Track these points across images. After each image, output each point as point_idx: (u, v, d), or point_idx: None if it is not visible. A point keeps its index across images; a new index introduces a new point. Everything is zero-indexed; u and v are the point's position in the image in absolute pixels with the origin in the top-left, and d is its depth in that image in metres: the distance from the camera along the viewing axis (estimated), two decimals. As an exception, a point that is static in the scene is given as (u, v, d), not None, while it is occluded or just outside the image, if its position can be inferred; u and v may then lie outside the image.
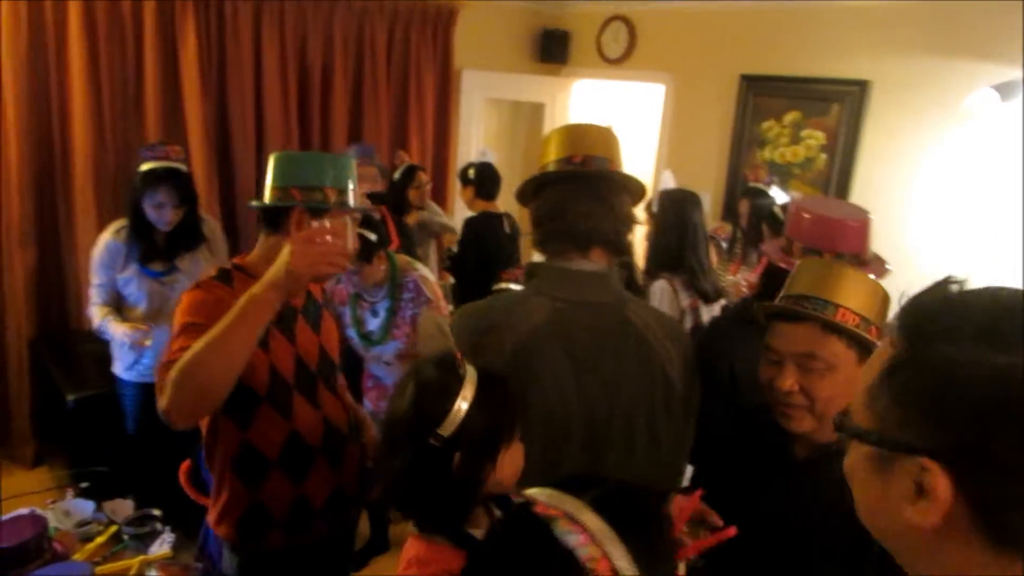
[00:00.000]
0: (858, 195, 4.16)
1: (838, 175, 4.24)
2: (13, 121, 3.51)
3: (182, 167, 2.93)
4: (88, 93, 3.70)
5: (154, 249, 2.94)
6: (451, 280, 4.47)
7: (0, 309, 3.70)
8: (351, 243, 1.78)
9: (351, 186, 1.74)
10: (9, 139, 3.53)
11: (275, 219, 1.74)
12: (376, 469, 1.30)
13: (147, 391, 2.49)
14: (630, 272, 2.96)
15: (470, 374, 1.16)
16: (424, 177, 4.33)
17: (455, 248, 4.32)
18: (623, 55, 5.33)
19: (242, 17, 4.11)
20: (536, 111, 5.95)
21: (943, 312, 0.63)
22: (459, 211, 5.47)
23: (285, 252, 1.50)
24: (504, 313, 1.48)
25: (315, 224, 1.64)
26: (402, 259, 3.00)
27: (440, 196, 5.36)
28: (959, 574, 0.62)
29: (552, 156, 1.54)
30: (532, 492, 0.85)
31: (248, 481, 1.79)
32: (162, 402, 1.47)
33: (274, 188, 1.71)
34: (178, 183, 2.87)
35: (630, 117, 6.32)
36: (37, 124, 3.64)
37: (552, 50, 5.65)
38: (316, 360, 1.88)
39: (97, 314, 2.90)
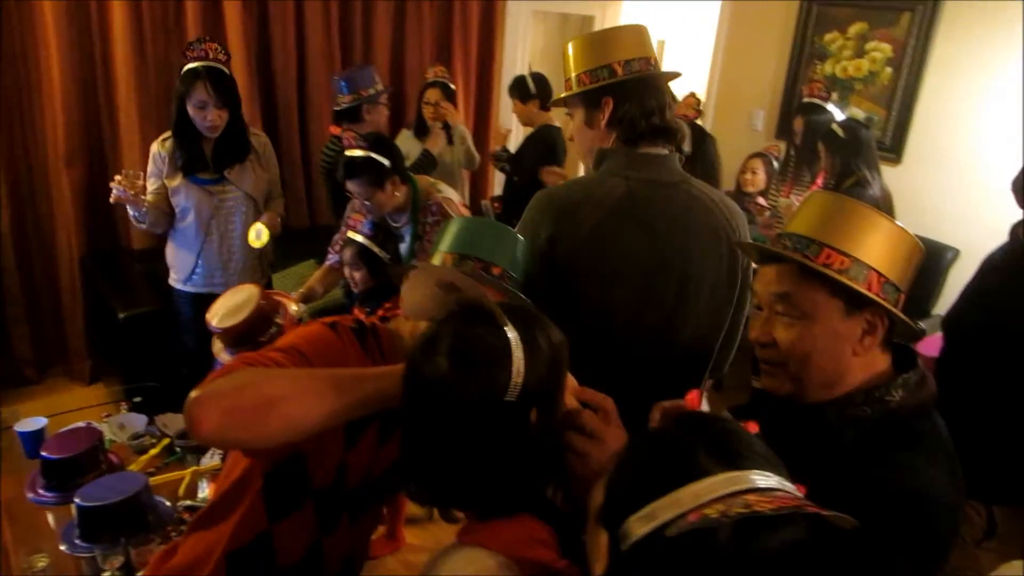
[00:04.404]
0: (924, 111, 3.94)
1: (903, 90, 4.01)
2: (52, 38, 3.49)
3: (222, 67, 2.85)
4: (127, 8, 3.64)
5: (201, 158, 2.91)
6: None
7: (50, 228, 3.77)
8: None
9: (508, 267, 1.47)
10: (50, 55, 3.51)
11: None
12: (412, 459, 1.01)
13: (203, 302, 2.48)
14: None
15: (509, 324, 0.97)
16: (431, 94, 4.03)
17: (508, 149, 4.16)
18: (677, -37, 5.06)
19: (280, -72, 3.98)
20: (584, 25, 5.73)
21: None
22: (503, 127, 5.37)
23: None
24: (585, 192, 1.62)
25: None
26: (423, 181, 2.91)
27: (484, 112, 5.23)
28: None
29: (600, 61, 1.64)
30: None
31: None
32: (200, 392, 1.06)
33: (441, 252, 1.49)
34: (217, 81, 2.79)
35: (683, 29, 6.06)
36: (77, 41, 3.60)
37: (601, -42, 5.39)
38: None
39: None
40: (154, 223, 2.95)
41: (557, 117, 4.13)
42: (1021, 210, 2.27)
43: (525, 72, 4.13)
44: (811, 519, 0.70)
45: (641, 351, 1.67)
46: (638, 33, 1.69)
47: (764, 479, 0.71)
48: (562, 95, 1.74)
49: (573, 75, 1.69)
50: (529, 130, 4.27)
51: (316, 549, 1.35)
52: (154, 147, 2.95)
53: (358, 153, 2.66)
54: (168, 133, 2.94)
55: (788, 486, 0.73)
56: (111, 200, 2.80)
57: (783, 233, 1.20)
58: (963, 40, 3.73)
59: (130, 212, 2.90)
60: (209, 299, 2.38)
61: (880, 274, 1.12)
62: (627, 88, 1.64)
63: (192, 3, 3.81)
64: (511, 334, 0.94)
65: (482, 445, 0.94)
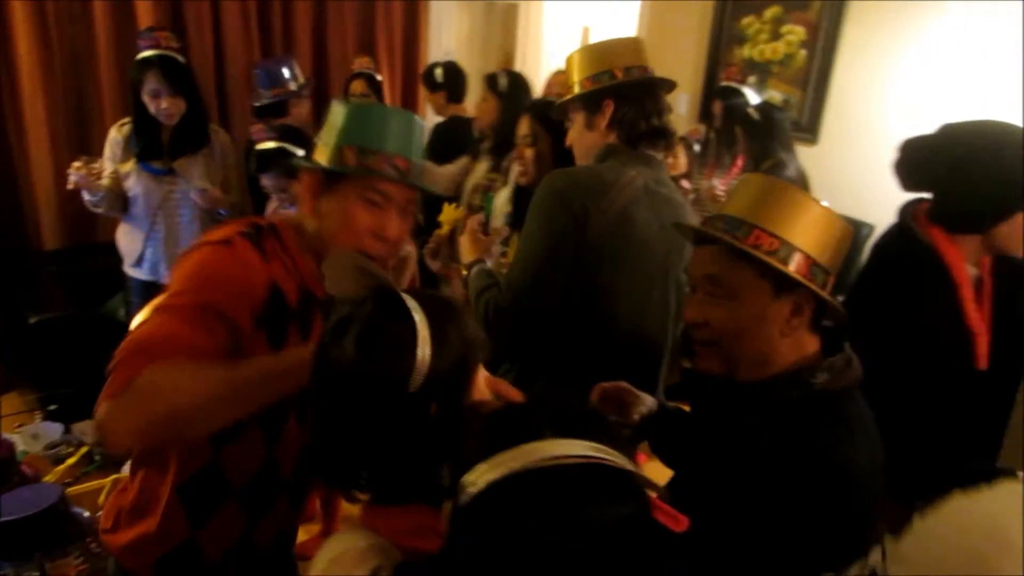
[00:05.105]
0: (837, 92, 4.05)
1: (817, 72, 4.12)
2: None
3: (175, 55, 2.81)
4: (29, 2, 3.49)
5: (156, 145, 2.86)
6: None
7: (-47, 231, 3.59)
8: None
9: (414, 156, 1.35)
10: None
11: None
12: (317, 438, 1.01)
13: (153, 292, 2.43)
14: None
15: (417, 310, 0.95)
16: (357, 86, 4.00)
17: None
18: (597, -51, 5.09)
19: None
20: (509, 12, 5.72)
21: None
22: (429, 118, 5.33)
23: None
24: (610, 176, 1.70)
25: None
26: None
27: (411, 103, 5.18)
28: None
29: (602, 67, 1.75)
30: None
31: (194, 513, 1.34)
32: (107, 407, 1.06)
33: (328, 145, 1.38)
34: (169, 69, 2.75)
35: (605, 14, 6.11)
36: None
37: (523, -56, 5.38)
38: None
39: None
40: (110, 207, 2.90)
41: (470, 107, 4.08)
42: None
43: (443, 57, 4.06)
44: (634, 490, 0.73)
45: (640, 339, 1.81)
46: (636, 43, 1.83)
47: (594, 450, 0.73)
48: (563, 99, 1.84)
49: (576, 81, 1.79)
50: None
51: (270, 463, 1.36)
52: (112, 132, 2.91)
53: (269, 145, 2.62)
54: (127, 119, 2.89)
55: (617, 455, 0.74)
56: (68, 186, 2.74)
57: (717, 215, 1.21)
58: (871, 22, 3.85)
59: (85, 196, 2.84)
60: (158, 289, 2.36)
61: (808, 256, 1.14)
62: (627, 91, 1.75)
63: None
64: (421, 326, 0.93)
65: (378, 431, 0.95)
